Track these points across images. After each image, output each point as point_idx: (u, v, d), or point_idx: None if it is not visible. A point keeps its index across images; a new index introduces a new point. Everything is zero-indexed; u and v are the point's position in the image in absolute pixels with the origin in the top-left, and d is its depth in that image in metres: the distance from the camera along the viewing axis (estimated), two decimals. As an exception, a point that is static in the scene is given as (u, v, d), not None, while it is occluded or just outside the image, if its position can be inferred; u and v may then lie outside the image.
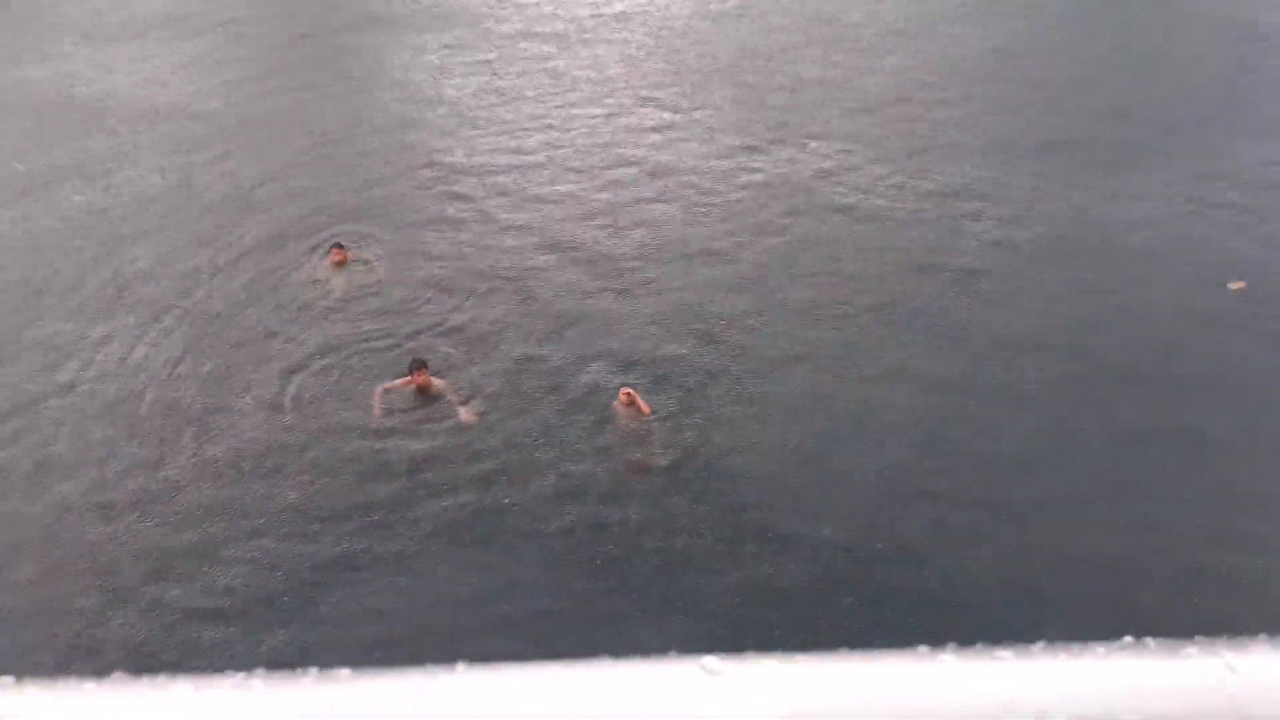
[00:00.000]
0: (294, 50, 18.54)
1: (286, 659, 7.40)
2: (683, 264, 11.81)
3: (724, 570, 8.06)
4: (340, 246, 11.97)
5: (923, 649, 0.70)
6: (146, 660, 7.41)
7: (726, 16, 19.08)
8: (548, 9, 19.67)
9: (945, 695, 0.67)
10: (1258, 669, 0.68)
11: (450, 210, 13.14)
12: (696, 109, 15.54)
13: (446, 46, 18.21)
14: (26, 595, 8.13)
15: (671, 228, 12.53)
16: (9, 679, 0.71)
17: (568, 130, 15.01)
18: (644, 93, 16.12)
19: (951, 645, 0.70)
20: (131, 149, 15.08)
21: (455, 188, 13.67)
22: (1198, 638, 0.70)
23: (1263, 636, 0.70)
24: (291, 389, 10.10)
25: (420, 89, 16.74)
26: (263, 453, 9.36)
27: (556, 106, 15.77)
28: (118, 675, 0.72)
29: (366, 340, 10.77)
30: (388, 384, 9.98)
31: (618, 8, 19.60)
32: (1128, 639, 0.70)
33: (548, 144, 14.63)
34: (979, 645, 0.71)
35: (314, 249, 12.33)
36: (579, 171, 13.88)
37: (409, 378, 9.85)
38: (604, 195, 13.28)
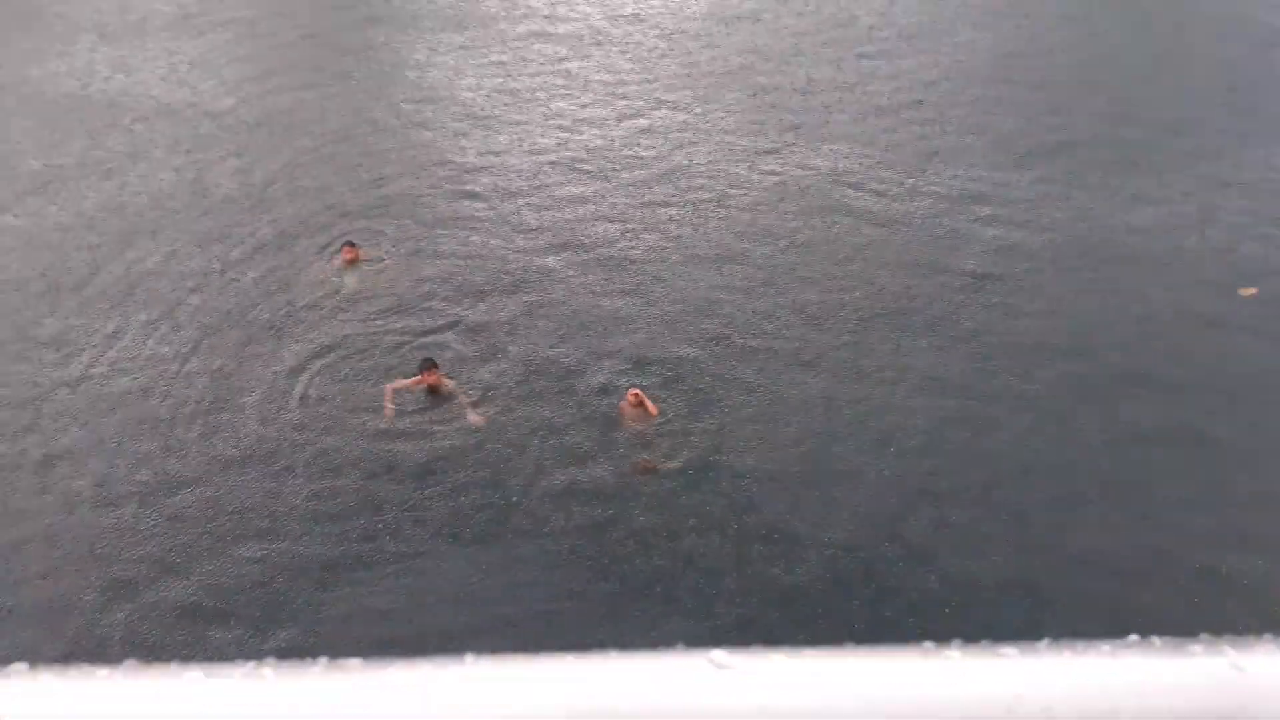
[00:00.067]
0: (308, 49, 18.61)
1: (291, 657, 7.41)
2: (693, 265, 11.82)
3: (729, 570, 8.07)
4: (351, 245, 12.01)
5: (928, 645, 0.70)
6: (150, 657, 7.43)
7: (739, 19, 19.09)
8: (561, 10, 19.71)
9: (951, 691, 0.67)
10: (1265, 669, 0.68)
11: (462, 210, 13.17)
12: (709, 111, 15.55)
13: (461, 47, 18.27)
14: (32, 590, 8.16)
15: (682, 229, 12.54)
16: (22, 665, 0.72)
17: (580, 131, 15.03)
18: (656, 94, 16.14)
19: (956, 642, 0.71)
20: (145, 146, 15.15)
21: (467, 187, 13.70)
22: (1203, 636, 0.70)
23: (1268, 637, 0.70)
24: (301, 387, 10.13)
25: (434, 89, 16.79)
26: (271, 451, 9.39)
27: (569, 107, 15.79)
28: (130, 663, 0.73)
29: (376, 339, 10.79)
30: (397, 383, 10.00)
31: (631, 10, 19.63)
32: (1133, 637, 0.71)
33: (560, 145, 14.66)
34: (984, 643, 0.71)
35: (325, 247, 12.37)
36: (591, 172, 13.90)
37: (419, 377, 9.86)
38: (615, 196, 13.29)
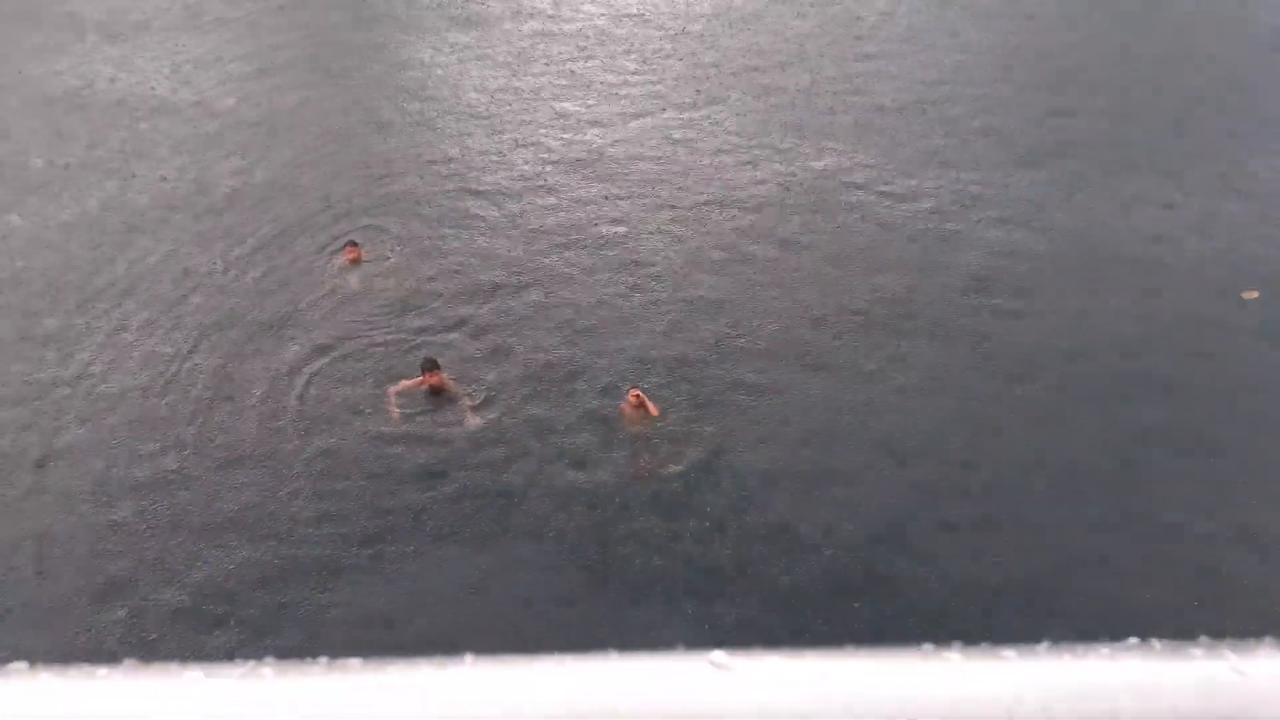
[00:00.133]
0: (311, 47, 18.61)
1: (291, 657, 7.41)
2: (695, 266, 11.82)
3: (729, 571, 8.06)
4: (354, 244, 12.01)
5: (928, 647, 0.70)
6: (148, 658, 7.41)
7: (743, 19, 19.09)
8: (565, 11, 19.71)
9: (951, 693, 0.67)
10: (1266, 673, 0.68)
11: (465, 210, 13.16)
12: (712, 112, 15.54)
13: (466, 46, 18.27)
14: (31, 590, 8.16)
15: (686, 229, 12.53)
16: (21, 665, 0.72)
17: (584, 132, 15.03)
18: (661, 94, 16.14)
19: (957, 644, 0.71)
20: (148, 145, 15.16)
21: (471, 186, 13.70)
22: (1203, 639, 0.70)
23: (1269, 639, 0.70)
24: (302, 386, 10.13)
25: (438, 88, 16.79)
26: (271, 451, 9.39)
27: (573, 108, 15.79)
28: (129, 662, 0.73)
29: (379, 338, 10.79)
30: (400, 385, 9.99)
31: (635, 10, 19.63)
32: (1133, 640, 0.70)
33: (564, 145, 14.65)
34: (983, 645, 0.71)
35: (328, 246, 12.37)
36: (594, 173, 13.89)
37: (421, 378, 9.85)
38: (620, 197, 13.29)
